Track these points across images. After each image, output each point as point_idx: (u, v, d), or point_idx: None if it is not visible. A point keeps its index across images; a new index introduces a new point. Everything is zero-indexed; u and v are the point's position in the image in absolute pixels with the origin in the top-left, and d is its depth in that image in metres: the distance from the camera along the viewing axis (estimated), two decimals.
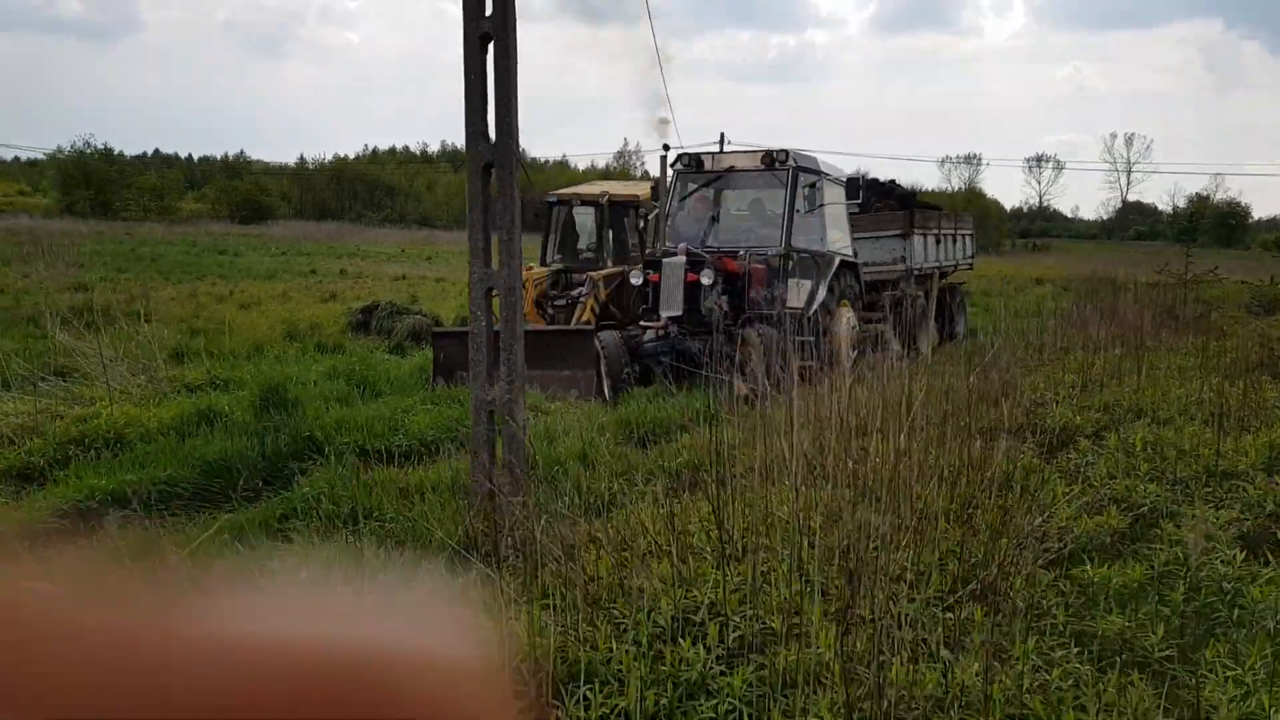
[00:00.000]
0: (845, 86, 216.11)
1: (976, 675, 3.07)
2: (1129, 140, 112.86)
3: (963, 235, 17.44)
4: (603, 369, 10.11)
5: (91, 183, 62.38)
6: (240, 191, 70.15)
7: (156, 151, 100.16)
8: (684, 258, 10.78)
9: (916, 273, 14.55)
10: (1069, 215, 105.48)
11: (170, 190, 69.13)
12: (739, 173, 12.04)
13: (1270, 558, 4.46)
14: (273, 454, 6.72)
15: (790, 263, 11.12)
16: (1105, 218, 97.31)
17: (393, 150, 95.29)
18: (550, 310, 13.03)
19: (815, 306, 11.17)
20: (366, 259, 38.35)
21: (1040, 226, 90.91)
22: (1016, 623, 3.51)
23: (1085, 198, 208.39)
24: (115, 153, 69.79)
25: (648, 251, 12.39)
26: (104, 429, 7.25)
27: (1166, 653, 3.46)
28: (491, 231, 4.70)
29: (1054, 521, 4.73)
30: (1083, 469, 5.83)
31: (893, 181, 17.96)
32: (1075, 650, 3.32)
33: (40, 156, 72.89)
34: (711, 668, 3.14)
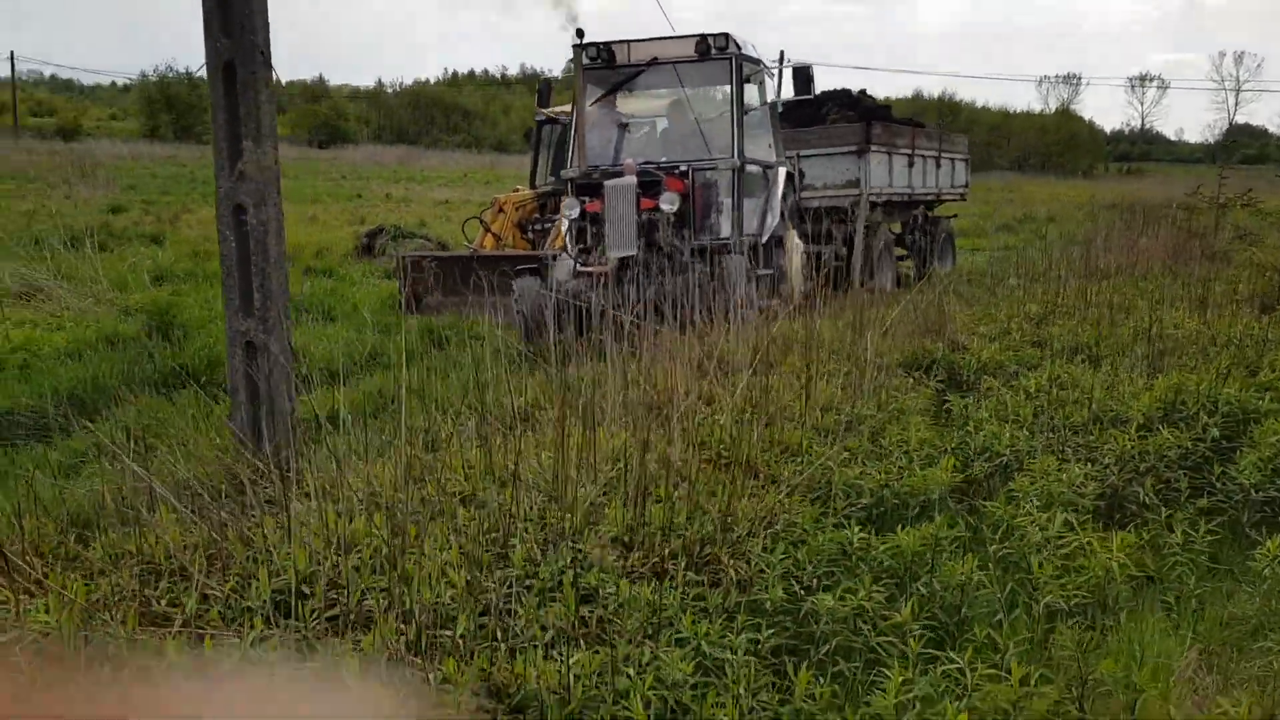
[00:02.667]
0: (939, 3, 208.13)
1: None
2: (1238, 58, 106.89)
3: (951, 159, 15.01)
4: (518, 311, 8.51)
5: (174, 107, 63.11)
6: (319, 115, 70.39)
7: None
8: (634, 178, 8.44)
9: (879, 199, 12.49)
10: (1172, 138, 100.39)
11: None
12: (664, 66, 9.44)
13: (1110, 525, 3.82)
14: (134, 381, 6.40)
15: (742, 175, 9.19)
16: (1210, 141, 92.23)
17: (471, 74, 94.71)
18: (531, 234, 12.51)
19: (769, 232, 9.50)
20: (423, 183, 38.10)
21: (1141, 150, 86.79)
22: (711, 597, 2.95)
23: (1190, 120, 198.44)
24: (198, 77, 70.52)
25: (564, 172, 9.77)
26: None
27: (885, 640, 2.88)
28: (245, 139, 4.20)
29: (878, 475, 4.12)
30: (967, 411, 5.16)
31: (863, 91, 15.32)
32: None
33: (127, 81, 74.22)
34: None
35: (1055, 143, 69.00)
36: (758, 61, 9.67)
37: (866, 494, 4.09)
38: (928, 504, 4.08)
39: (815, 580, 3.33)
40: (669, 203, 8.48)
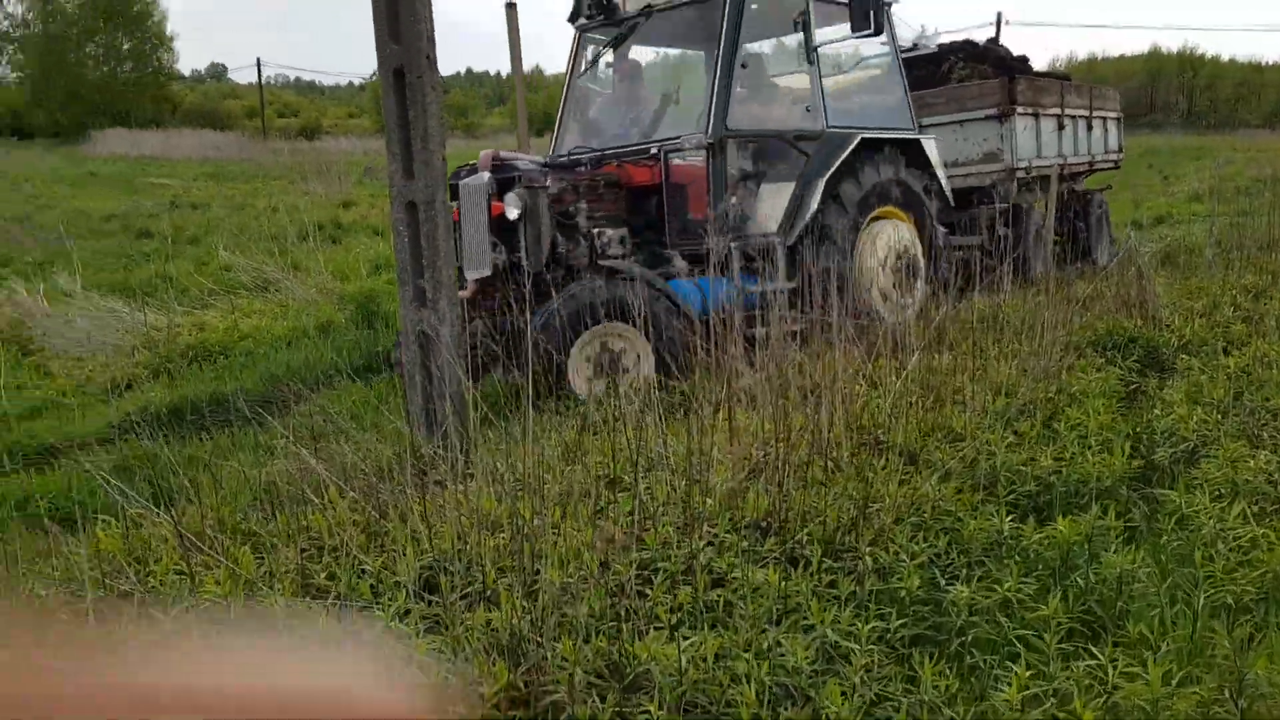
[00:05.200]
0: None
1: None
2: None
3: (1102, 119, 12.16)
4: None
5: None
6: (537, 105, 72.54)
7: (468, 70, 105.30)
8: (487, 175, 6.45)
9: (1026, 174, 10.14)
10: None
11: (473, 107, 72.57)
12: (662, 15, 7.39)
13: None
14: (339, 370, 6.88)
15: (722, 157, 6.84)
16: None
17: None
18: None
19: (802, 224, 6.95)
20: None
21: None
22: (844, 585, 2.93)
23: None
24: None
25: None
26: (213, 341, 7.70)
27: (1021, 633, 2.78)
28: (414, 141, 4.44)
29: (1037, 464, 3.95)
30: (1149, 391, 4.87)
31: (992, 40, 12.41)
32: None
33: (363, 80, 78.68)
34: None
35: None
36: None
37: (1031, 481, 3.94)
38: (1100, 492, 3.89)
39: (962, 571, 3.25)
40: (513, 206, 6.38)
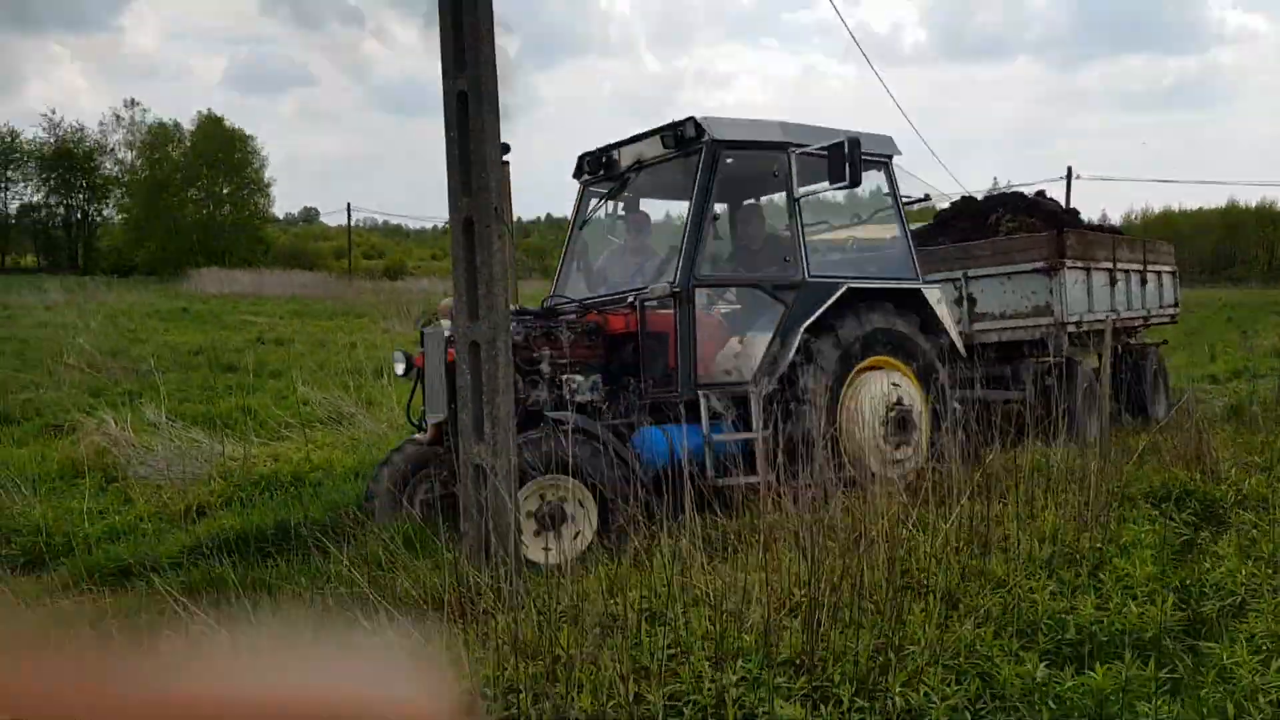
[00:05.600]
0: (1257, 108, 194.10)
1: None
2: None
3: (1157, 273, 12.05)
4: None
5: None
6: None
7: (548, 216, 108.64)
8: (445, 323, 6.31)
9: (1077, 329, 9.93)
10: None
11: (551, 250, 74.63)
12: (649, 168, 7.62)
13: None
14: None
15: (690, 306, 6.83)
16: None
17: None
18: None
19: (779, 373, 6.93)
20: None
21: None
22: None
23: None
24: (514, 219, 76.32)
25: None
26: (285, 472, 8.00)
27: None
28: (479, 285, 4.74)
29: (1079, 614, 3.96)
30: (1201, 544, 4.84)
31: (1040, 193, 12.35)
32: None
33: (446, 225, 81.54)
34: None
35: None
36: (764, 144, 7.36)
37: (1072, 629, 3.94)
38: (1142, 643, 3.88)
39: (995, 717, 3.27)
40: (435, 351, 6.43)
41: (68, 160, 52.45)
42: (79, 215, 53.86)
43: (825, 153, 6.85)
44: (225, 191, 52.02)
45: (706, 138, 7.01)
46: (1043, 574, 4.41)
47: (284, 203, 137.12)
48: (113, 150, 53.63)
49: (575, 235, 8.31)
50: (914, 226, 12.75)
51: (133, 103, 56.66)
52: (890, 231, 8.21)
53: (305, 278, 39.89)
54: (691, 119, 7.06)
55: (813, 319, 7.04)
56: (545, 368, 6.60)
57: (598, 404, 6.65)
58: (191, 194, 50.73)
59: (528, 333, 6.70)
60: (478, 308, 4.72)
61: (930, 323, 7.84)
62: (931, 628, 3.71)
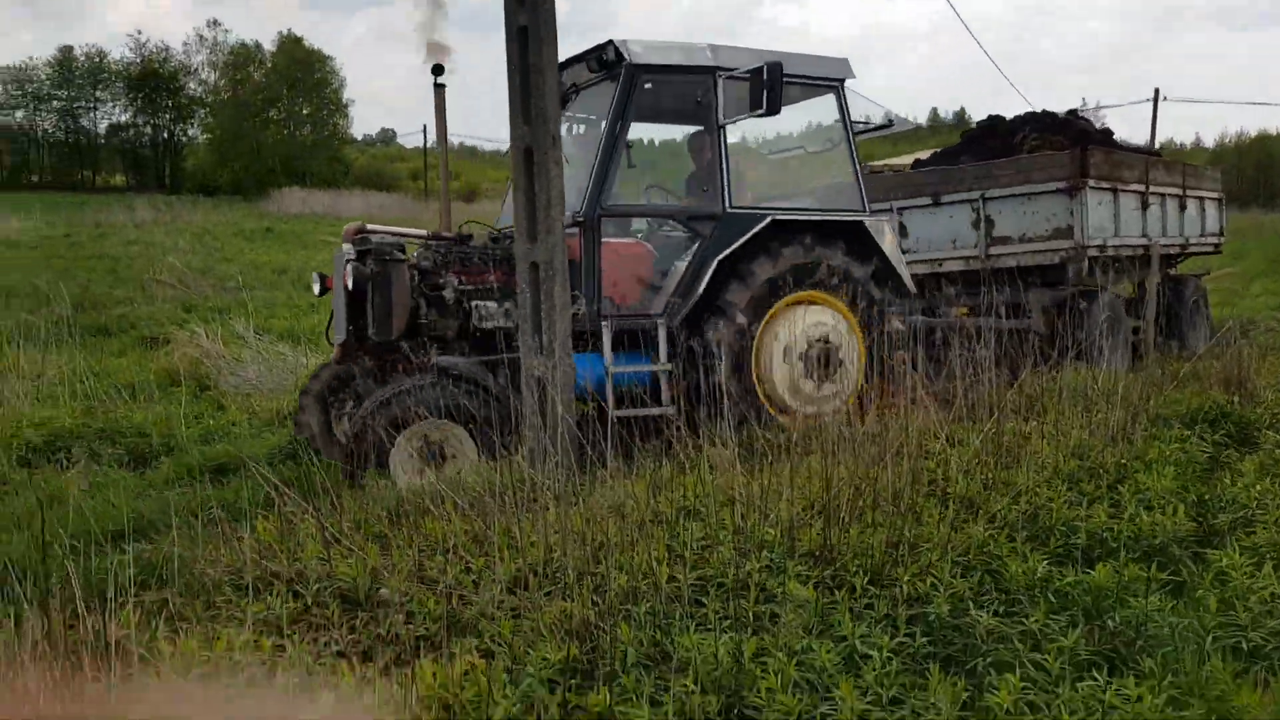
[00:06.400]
0: None
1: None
2: None
3: (1199, 199, 11.32)
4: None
5: None
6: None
7: None
8: (349, 245, 6.57)
9: (1100, 254, 9.47)
10: None
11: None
12: (583, 92, 7.48)
13: None
14: None
15: (595, 234, 6.68)
16: None
17: None
18: None
19: (689, 306, 6.82)
20: None
21: None
22: (880, 606, 3.33)
23: None
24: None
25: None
26: None
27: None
28: (538, 210, 5.08)
29: (1092, 520, 4.25)
30: (1228, 463, 5.07)
31: (1073, 112, 11.83)
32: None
33: None
34: None
35: None
36: (692, 68, 7.01)
37: (1084, 535, 4.22)
38: (1150, 550, 4.16)
39: (996, 606, 3.60)
40: (350, 276, 6.39)
41: (154, 80, 53.69)
42: (165, 135, 55.25)
43: (748, 77, 6.64)
44: (305, 112, 52.83)
45: (626, 62, 6.78)
46: (1063, 485, 4.68)
47: (362, 124, 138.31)
48: (196, 70, 54.78)
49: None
50: (938, 148, 12.49)
51: (215, 23, 57.64)
52: (834, 160, 7.88)
53: (383, 199, 40.55)
54: (610, 42, 6.86)
55: (728, 251, 6.83)
56: (448, 294, 6.54)
57: (509, 330, 6.35)
58: (273, 114, 51.61)
59: (435, 259, 6.69)
60: (535, 231, 5.07)
61: (873, 254, 7.55)
62: (945, 527, 4.03)
